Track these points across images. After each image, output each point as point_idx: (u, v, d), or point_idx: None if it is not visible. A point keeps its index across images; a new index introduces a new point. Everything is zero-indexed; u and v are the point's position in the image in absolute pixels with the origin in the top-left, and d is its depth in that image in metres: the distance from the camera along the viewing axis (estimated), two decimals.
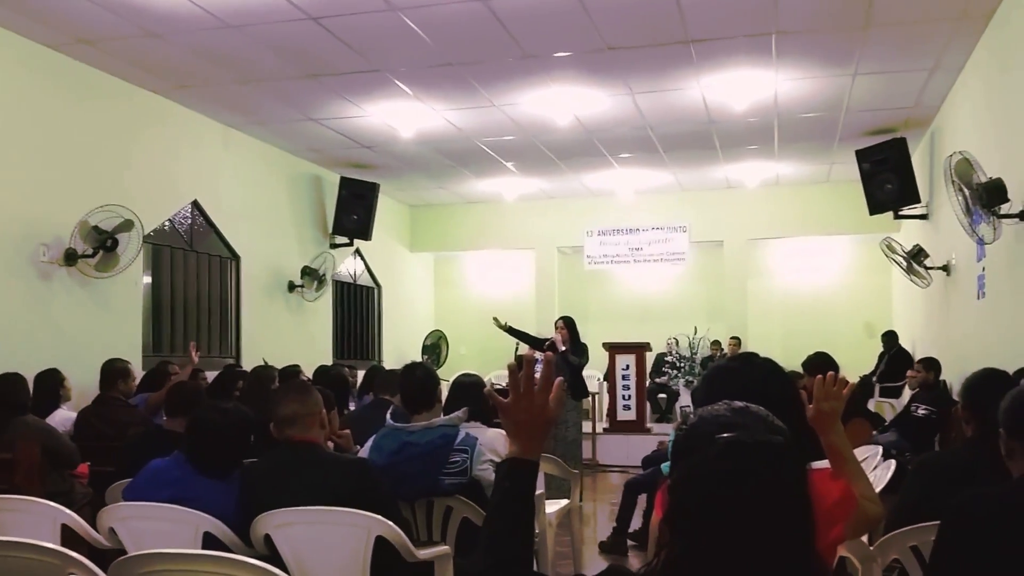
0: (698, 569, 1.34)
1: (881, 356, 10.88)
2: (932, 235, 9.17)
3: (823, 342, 8.06)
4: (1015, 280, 6.10)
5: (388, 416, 3.86)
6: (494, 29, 6.47)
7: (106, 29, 6.44)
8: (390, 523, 2.98)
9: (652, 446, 9.01)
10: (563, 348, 8.19)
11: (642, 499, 6.33)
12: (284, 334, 10.06)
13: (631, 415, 10.90)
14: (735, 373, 2.25)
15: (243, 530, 3.07)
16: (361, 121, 8.91)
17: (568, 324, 8.40)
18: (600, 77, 7.61)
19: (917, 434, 7.18)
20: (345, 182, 10.70)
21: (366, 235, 10.86)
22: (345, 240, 10.99)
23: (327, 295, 10.94)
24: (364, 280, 12.47)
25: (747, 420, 1.45)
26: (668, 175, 11.52)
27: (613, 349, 10.98)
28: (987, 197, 5.92)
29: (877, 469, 4.04)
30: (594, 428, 10.50)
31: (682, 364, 13.16)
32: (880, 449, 4.54)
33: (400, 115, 8.62)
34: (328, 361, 10.21)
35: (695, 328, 13.47)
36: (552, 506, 4.84)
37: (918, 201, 9.23)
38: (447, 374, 9.57)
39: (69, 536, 3.26)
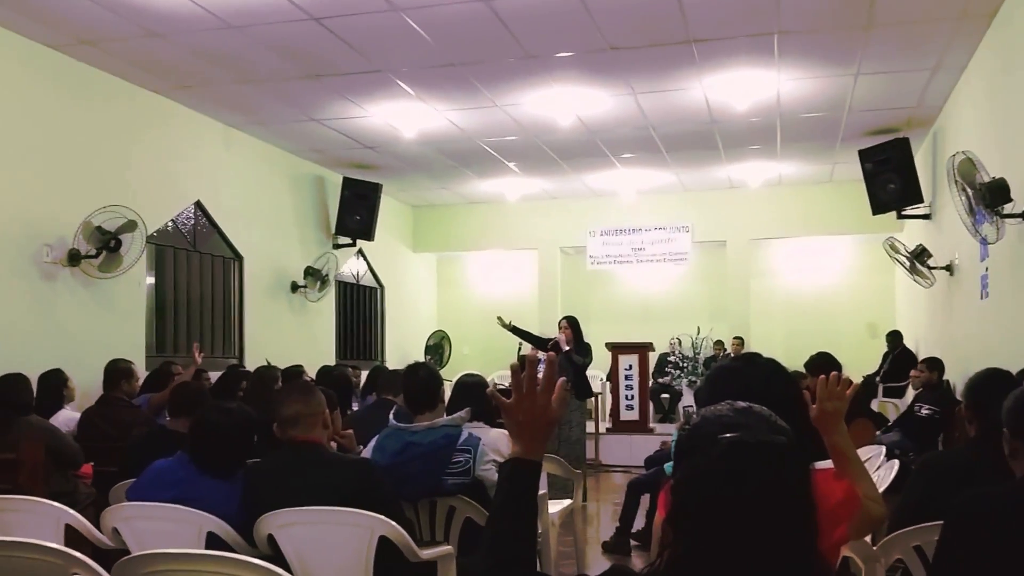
0: (701, 569, 1.34)
1: (885, 356, 10.87)
2: (935, 235, 9.16)
3: (826, 342, 8.05)
4: (1018, 280, 6.09)
5: (391, 416, 3.86)
6: (496, 29, 6.47)
7: (108, 29, 6.45)
8: (393, 523, 2.98)
9: (655, 446, 9.01)
10: (567, 348, 8.19)
11: (645, 499, 6.33)
12: (287, 334, 10.06)
13: (634, 415, 10.90)
14: (738, 373, 2.25)
15: (246, 530, 3.07)
16: (363, 121, 8.91)
17: (572, 324, 8.39)
18: (602, 77, 7.61)
19: (920, 434, 7.18)
20: (348, 182, 10.71)
21: (369, 235, 10.87)
22: (348, 240, 11.00)
23: (330, 295, 10.95)
24: (367, 280, 12.48)
25: (750, 420, 1.45)
26: (670, 175, 11.52)
27: (616, 349, 10.98)
28: (990, 197, 5.91)
29: (880, 469, 4.03)
30: (597, 428, 10.51)
31: (685, 364, 13.16)
32: (883, 449, 4.53)
33: (402, 115, 8.62)
34: (331, 361, 10.22)
35: (698, 328, 13.48)
36: (555, 506, 4.84)
37: (921, 201, 9.22)
38: (450, 374, 9.58)
39: (73, 536, 3.26)
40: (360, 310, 12.27)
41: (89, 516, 3.54)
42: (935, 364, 7.62)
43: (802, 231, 12.53)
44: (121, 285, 7.39)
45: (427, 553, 3.20)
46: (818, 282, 13.51)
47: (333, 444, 4.09)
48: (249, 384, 6.30)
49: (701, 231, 12.51)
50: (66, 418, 5.74)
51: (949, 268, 8.38)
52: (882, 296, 12.93)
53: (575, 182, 11.88)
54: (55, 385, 5.82)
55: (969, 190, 6.21)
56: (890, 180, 9.10)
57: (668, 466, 5.17)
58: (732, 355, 11.69)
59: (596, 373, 10.84)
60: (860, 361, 10.58)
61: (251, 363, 8.59)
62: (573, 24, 6.40)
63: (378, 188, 10.77)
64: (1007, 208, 5.89)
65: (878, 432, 7.20)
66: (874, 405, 9.27)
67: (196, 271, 8.87)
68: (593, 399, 9.93)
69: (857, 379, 2.97)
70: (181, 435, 3.82)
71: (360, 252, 11.88)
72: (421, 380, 3.90)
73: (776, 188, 12.08)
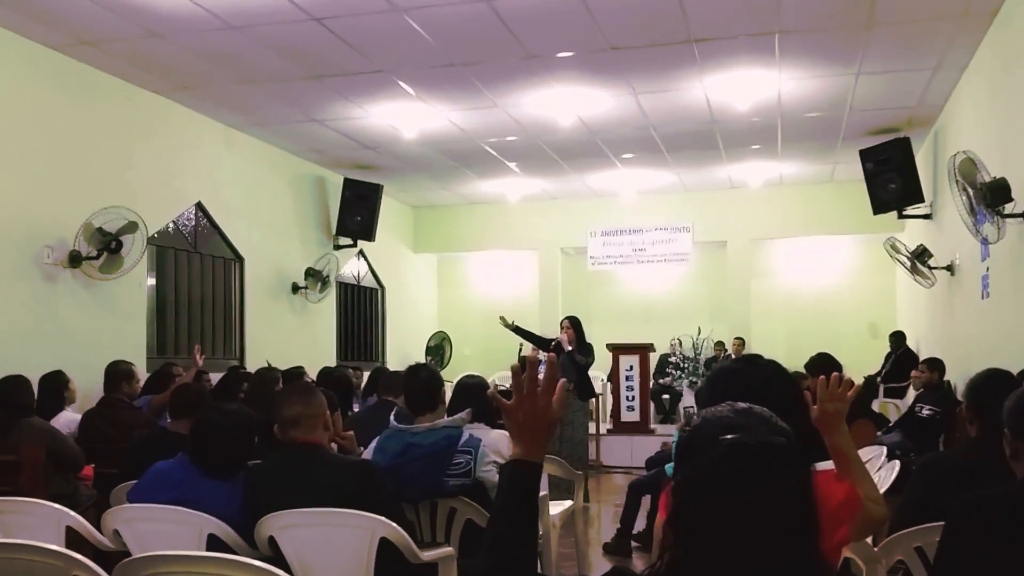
0: (702, 570, 1.34)
1: (888, 356, 10.86)
2: (936, 235, 9.15)
3: (827, 342, 8.06)
4: (1019, 280, 6.09)
5: (392, 417, 3.86)
6: (497, 29, 6.47)
7: (108, 30, 6.45)
8: (394, 524, 2.98)
9: (656, 447, 9.01)
10: (569, 348, 8.20)
11: (646, 500, 6.33)
12: (288, 336, 10.07)
13: (635, 416, 10.90)
14: (739, 374, 2.25)
15: (247, 532, 3.07)
16: (364, 122, 8.92)
17: (574, 324, 8.40)
18: (603, 77, 7.61)
19: (921, 434, 7.18)
20: (348, 183, 10.71)
21: (369, 236, 10.87)
22: (349, 241, 11.00)
23: (331, 296, 10.95)
24: (368, 281, 12.48)
25: (750, 421, 1.45)
26: (671, 175, 11.51)
27: (617, 350, 10.98)
28: (991, 197, 5.91)
29: (881, 470, 4.03)
30: (598, 429, 10.50)
31: (686, 365, 13.16)
32: (884, 450, 4.53)
33: (403, 116, 8.62)
34: (332, 363, 10.23)
35: (699, 329, 13.47)
36: (556, 507, 4.84)
37: (922, 201, 9.22)
38: (451, 375, 9.58)
39: (73, 538, 3.26)
40: (361, 311, 12.27)
41: (90, 518, 3.55)
42: (936, 364, 7.62)
43: (803, 231, 12.53)
44: (122, 286, 7.39)
45: (428, 555, 3.19)
46: (819, 282, 13.51)
47: (334, 445, 4.09)
48: (250, 385, 6.30)
49: (702, 231, 12.51)
50: (67, 420, 5.74)
51: (950, 268, 8.38)
52: (883, 296, 12.92)
53: (576, 182, 11.88)
54: (56, 387, 5.82)
55: (970, 190, 6.21)
56: (891, 180, 9.11)
57: (669, 467, 5.17)
58: (733, 355, 11.70)
59: (597, 374, 10.84)
60: (861, 361, 10.57)
61: (252, 364, 8.60)
62: (574, 24, 6.40)
63: (379, 189, 10.77)
64: (1008, 208, 5.89)
65: (879, 433, 7.21)
66: (875, 406, 9.28)
67: (197, 272, 8.88)
68: (594, 400, 9.93)
69: (858, 380, 2.97)
70: (182, 437, 3.82)
71: (361, 253, 11.88)
72: (422, 381, 3.90)
73: (777, 188, 12.08)
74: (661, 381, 12.88)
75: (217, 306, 9.13)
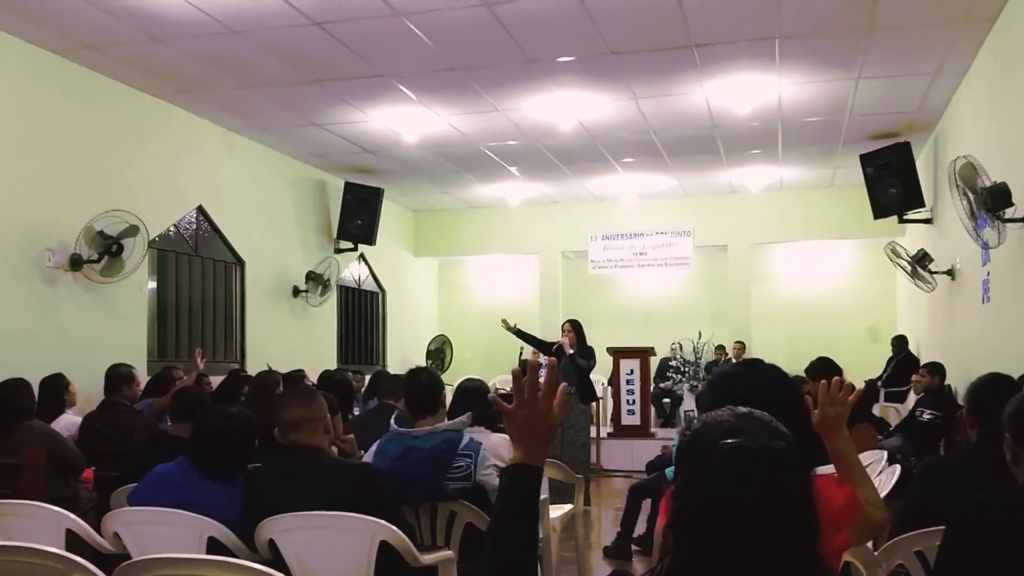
0: (702, 574, 1.34)
1: (890, 360, 10.86)
2: (936, 239, 9.16)
3: (827, 346, 8.07)
4: (1020, 284, 6.09)
5: (392, 421, 3.86)
6: (497, 34, 6.48)
7: (110, 34, 6.46)
8: (394, 528, 2.98)
9: (656, 451, 9.00)
10: (571, 351, 8.20)
11: (646, 504, 6.32)
12: (289, 339, 10.07)
13: (635, 420, 10.90)
14: (740, 378, 2.25)
15: (247, 535, 3.07)
16: (365, 126, 8.92)
17: (575, 327, 8.41)
18: (603, 82, 7.62)
19: (922, 439, 7.17)
20: (349, 187, 10.72)
21: (370, 240, 10.87)
22: (349, 245, 11.00)
23: (331, 300, 10.95)
24: (368, 285, 12.48)
25: (751, 425, 1.45)
26: (672, 179, 11.52)
27: (617, 354, 10.98)
28: (991, 201, 5.91)
29: (882, 474, 4.03)
30: (598, 433, 10.49)
31: (686, 369, 13.15)
32: (885, 454, 4.52)
33: (404, 120, 8.63)
34: (332, 366, 10.22)
35: (699, 332, 13.47)
36: (556, 511, 4.84)
37: (922, 205, 9.22)
38: (451, 379, 9.56)
39: (74, 541, 3.26)
40: (361, 314, 12.27)
41: (90, 521, 3.55)
42: (936, 369, 7.61)
43: (803, 235, 12.54)
44: (123, 290, 7.40)
45: (428, 558, 3.19)
46: (819, 286, 13.51)
47: (334, 449, 4.09)
48: (250, 389, 6.30)
49: (702, 235, 12.51)
50: (67, 423, 5.74)
51: (950, 272, 8.38)
52: (884, 300, 12.92)
53: (576, 186, 11.89)
54: (56, 390, 5.82)
55: (970, 194, 6.21)
56: (891, 184, 9.10)
57: (669, 471, 5.17)
58: (733, 359, 11.70)
59: (598, 378, 10.84)
60: (861, 366, 10.58)
61: (252, 368, 8.60)
62: (574, 29, 6.41)
63: (379, 192, 10.78)
64: (1008, 212, 5.89)
65: (880, 437, 7.20)
66: (876, 410, 9.26)
67: (198, 276, 8.88)
68: (595, 403, 9.92)
69: (859, 384, 2.97)
70: (182, 440, 3.82)
71: (361, 256, 11.89)
72: (422, 384, 3.90)
73: (777, 192, 12.08)
74: (662, 385, 12.87)
75: (218, 309, 9.14)
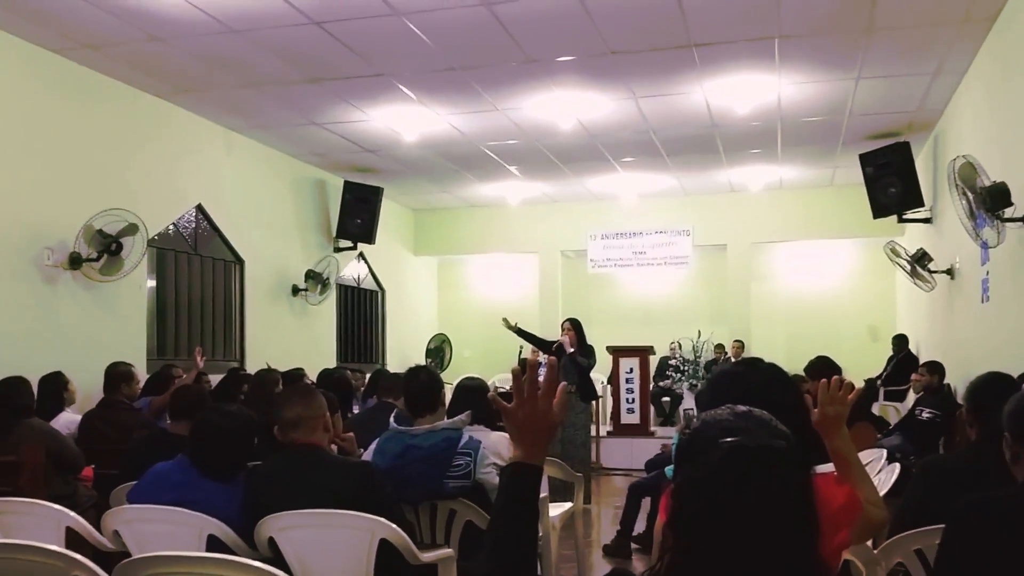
0: (702, 572, 1.35)
1: (890, 359, 10.87)
2: (936, 239, 9.16)
3: (826, 346, 8.07)
4: (1019, 284, 6.09)
5: (392, 419, 3.86)
6: (497, 34, 6.48)
7: (110, 34, 6.45)
8: (394, 526, 2.98)
9: (656, 449, 9.01)
10: (571, 350, 8.20)
11: (646, 502, 6.33)
12: (288, 337, 10.07)
13: (635, 418, 10.91)
14: (739, 377, 2.26)
15: (247, 533, 3.07)
16: (365, 125, 8.92)
17: (575, 326, 8.41)
18: (603, 81, 7.62)
19: (921, 438, 7.17)
20: (349, 186, 10.72)
21: (370, 239, 10.87)
22: (349, 244, 11.00)
23: (331, 299, 10.95)
24: (368, 284, 12.48)
25: (750, 424, 1.45)
26: (671, 179, 11.52)
27: (617, 352, 10.99)
28: (991, 201, 5.91)
29: (881, 473, 4.03)
30: (598, 431, 10.49)
31: (685, 367, 13.17)
32: (884, 453, 4.53)
33: (403, 119, 8.63)
34: (332, 364, 10.22)
35: (699, 331, 13.49)
36: (556, 509, 4.84)
37: (922, 205, 9.23)
38: (451, 377, 9.56)
39: (73, 539, 3.26)
40: (361, 313, 12.27)
41: (90, 519, 3.55)
42: (936, 368, 7.62)
43: (803, 235, 12.54)
44: (122, 288, 7.40)
45: (428, 556, 3.20)
46: (819, 286, 13.52)
47: (334, 447, 4.09)
48: (250, 387, 6.30)
49: (702, 235, 12.51)
50: (67, 421, 5.74)
51: (950, 272, 8.38)
52: (883, 300, 12.93)
53: (576, 186, 11.89)
54: (56, 388, 5.82)
55: (970, 194, 6.21)
56: (891, 184, 9.11)
57: (669, 469, 5.17)
58: (732, 358, 11.70)
59: (597, 376, 10.85)
60: (861, 365, 10.59)
61: (252, 366, 8.60)
62: (574, 28, 6.41)
63: (379, 191, 10.78)
64: (1008, 212, 5.89)
65: (879, 436, 7.21)
66: (875, 409, 9.27)
67: (197, 274, 8.88)
68: (594, 402, 9.93)
69: (858, 383, 2.97)
70: (182, 438, 3.83)
71: (361, 255, 11.89)
72: (422, 383, 3.90)
73: (777, 192, 12.09)
74: (661, 384, 12.88)
75: (217, 308, 9.14)
